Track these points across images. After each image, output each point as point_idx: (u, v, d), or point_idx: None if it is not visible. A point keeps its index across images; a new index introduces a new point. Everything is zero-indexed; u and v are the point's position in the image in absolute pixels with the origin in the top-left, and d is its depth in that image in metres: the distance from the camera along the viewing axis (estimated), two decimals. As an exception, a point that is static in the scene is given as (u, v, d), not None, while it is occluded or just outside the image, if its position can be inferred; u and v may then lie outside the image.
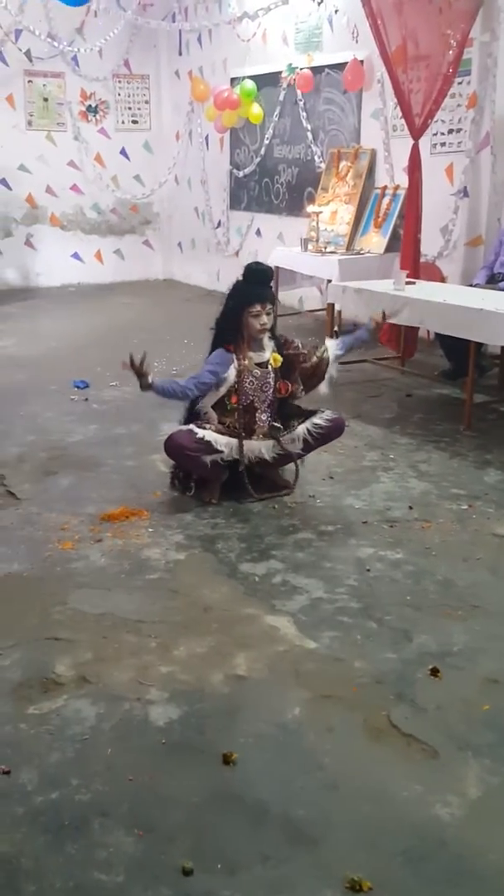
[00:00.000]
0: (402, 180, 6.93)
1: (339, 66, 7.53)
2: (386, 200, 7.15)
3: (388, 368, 6.28)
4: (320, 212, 7.42)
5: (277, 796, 2.10)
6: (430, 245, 6.59)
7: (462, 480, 4.15)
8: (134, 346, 7.06)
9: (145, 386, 3.70)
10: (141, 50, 10.15)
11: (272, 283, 3.85)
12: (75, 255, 10.40)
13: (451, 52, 5.96)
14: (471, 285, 5.91)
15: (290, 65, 8.13)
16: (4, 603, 3.08)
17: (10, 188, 9.81)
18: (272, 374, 3.89)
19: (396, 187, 7.07)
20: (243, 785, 2.14)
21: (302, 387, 3.98)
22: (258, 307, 3.74)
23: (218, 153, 9.67)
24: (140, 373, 3.67)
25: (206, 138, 9.78)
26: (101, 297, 9.68)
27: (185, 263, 10.62)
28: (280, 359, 3.90)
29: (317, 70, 7.87)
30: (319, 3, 7.70)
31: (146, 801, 2.10)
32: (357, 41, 7.32)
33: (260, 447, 3.89)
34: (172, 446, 3.81)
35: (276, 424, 3.92)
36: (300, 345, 3.99)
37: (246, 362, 3.83)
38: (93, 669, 2.63)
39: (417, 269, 6.17)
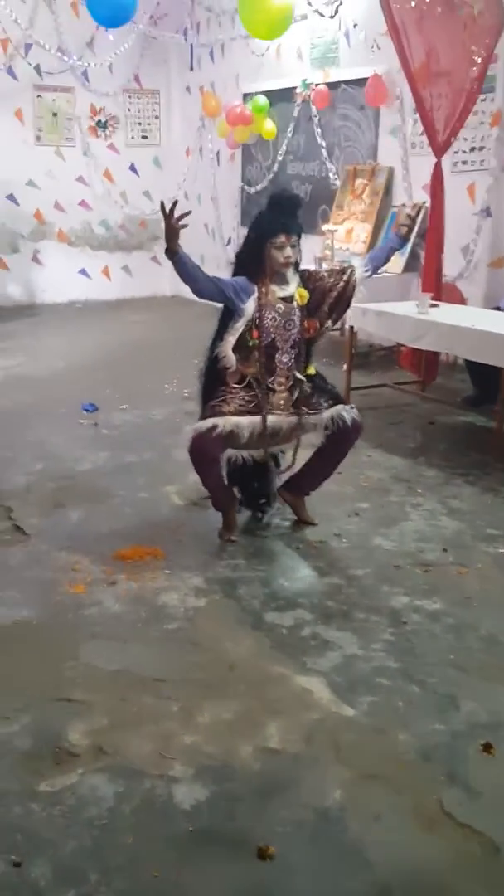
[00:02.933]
0: (421, 198, 6.74)
1: (356, 82, 7.36)
2: (404, 219, 6.94)
3: (408, 393, 6.06)
4: (335, 230, 7.23)
5: (322, 901, 1.86)
6: (450, 266, 6.38)
7: (497, 519, 3.91)
8: (143, 368, 7.01)
9: (172, 250, 3.31)
10: (152, 65, 10.00)
11: (299, 213, 3.48)
12: (82, 272, 10.21)
13: (475, 68, 5.77)
14: (496, 308, 5.71)
15: (305, 80, 7.96)
16: (13, 655, 2.84)
17: (17, 203, 9.63)
18: (297, 312, 3.52)
19: (415, 206, 6.87)
20: (282, 886, 1.90)
21: (330, 320, 3.61)
22: (282, 238, 3.38)
23: (229, 169, 9.49)
24: (174, 228, 3.27)
25: (217, 154, 9.61)
26: (108, 314, 9.48)
27: (194, 280, 10.42)
28: (306, 295, 3.52)
29: (333, 86, 7.70)
30: (332, 17, 7.53)
31: (174, 904, 1.87)
32: (376, 56, 7.14)
33: (282, 424, 3.56)
34: (196, 451, 3.47)
35: (298, 375, 3.55)
36: (325, 274, 3.63)
37: (269, 296, 3.46)
38: (109, 738, 2.38)
39: (440, 290, 5.96)
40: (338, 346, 6.47)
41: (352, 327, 5.88)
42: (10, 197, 9.58)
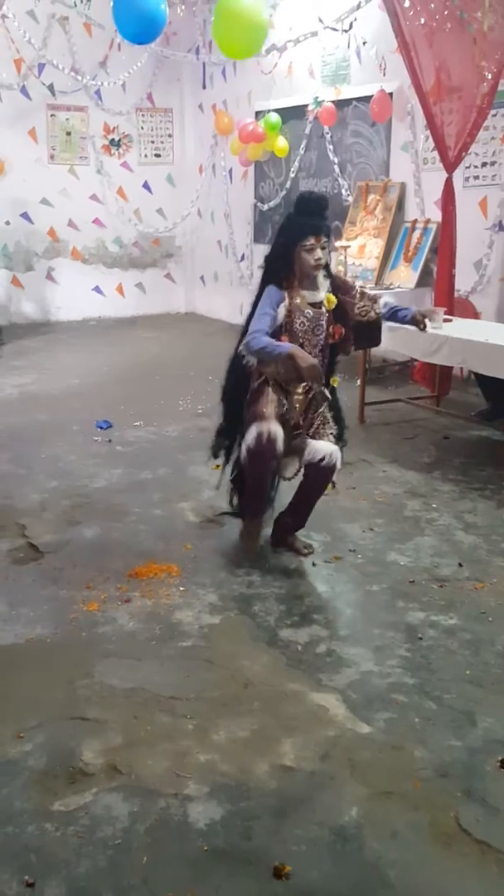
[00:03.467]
0: (433, 214, 6.76)
1: (367, 99, 7.38)
2: (416, 234, 6.97)
3: (422, 408, 6.04)
4: (348, 246, 7.24)
5: (339, 921, 1.84)
6: (463, 280, 6.38)
7: (512, 534, 3.90)
8: (157, 384, 7.03)
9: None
10: (164, 83, 10.10)
11: (327, 214, 3.46)
12: (96, 289, 10.28)
13: (485, 84, 5.79)
14: (508, 322, 5.71)
15: (317, 98, 8.01)
16: (27, 673, 2.84)
17: (31, 222, 9.72)
18: (326, 316, 3.49)
19: (427, 221, 6.90)
20: (299, 906, 1.89)
21: (353, 341, 3.60)
22: (312, 240, 3.35)
23: (242, 187, 9.54)
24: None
25: (230, 171, 9.67)
26: (122, 331, 9.53)
27: (208, 296, 10.48)
28: (335, 300, 3.49)
29: (344, 103, 7.74)
30: (346, 31, 7.56)
31: (189, 925, 1.85)
32: (385, 73, 7.18)
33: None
34: (254, 461, 3.43)
35: (323, 390, 3.50)
36: (358, 294, 3.60)
37: (298, 301, 3.44)
38: (124, 757, 2.38)
39: (452, 305, 5.96)
40: (352, 361, 6.46)
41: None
42: (25, 215, 9.67)
